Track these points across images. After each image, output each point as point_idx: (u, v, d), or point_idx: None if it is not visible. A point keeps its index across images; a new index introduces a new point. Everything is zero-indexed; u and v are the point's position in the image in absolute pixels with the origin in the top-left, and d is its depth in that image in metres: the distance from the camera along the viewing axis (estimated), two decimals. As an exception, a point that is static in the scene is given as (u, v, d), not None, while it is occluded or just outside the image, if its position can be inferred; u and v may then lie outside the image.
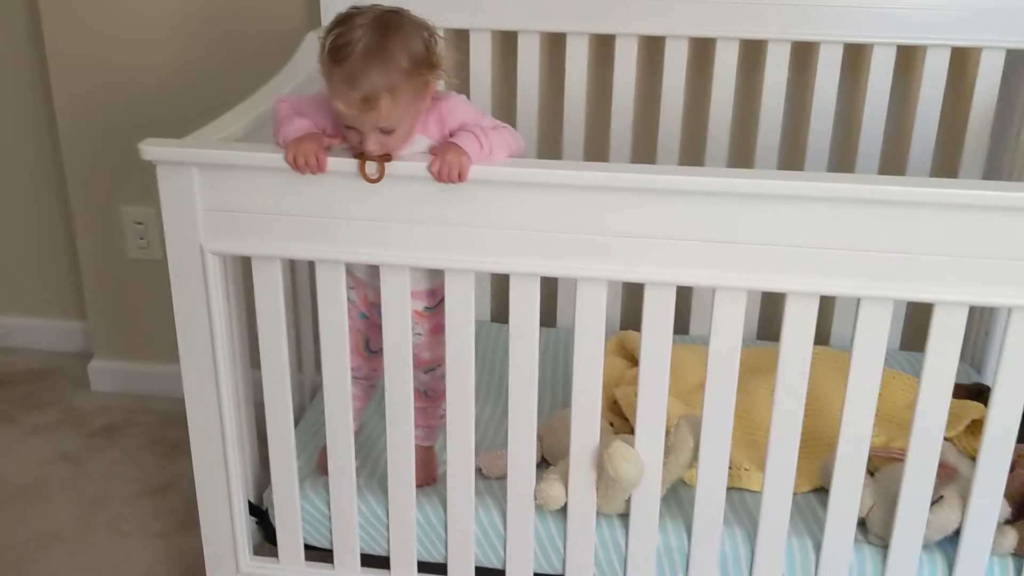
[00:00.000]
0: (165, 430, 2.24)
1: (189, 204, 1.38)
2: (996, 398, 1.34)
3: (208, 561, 1.60)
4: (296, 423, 1.76)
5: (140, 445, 2.20)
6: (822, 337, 2.05)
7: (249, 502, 1.60)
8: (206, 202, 1.37)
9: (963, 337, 1.95)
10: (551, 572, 1.54)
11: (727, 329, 1.36)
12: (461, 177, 1.29)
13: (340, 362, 1.45)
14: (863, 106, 1.91)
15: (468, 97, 1.96)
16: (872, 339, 1.33)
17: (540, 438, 1.63)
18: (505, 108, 2.02)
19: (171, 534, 1.92)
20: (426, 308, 1.50)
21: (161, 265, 1.44)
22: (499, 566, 1.55)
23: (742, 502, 1.57)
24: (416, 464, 1.50)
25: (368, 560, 1.58)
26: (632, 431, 1.47)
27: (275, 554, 1.60)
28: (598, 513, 1.49)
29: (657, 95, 1.96)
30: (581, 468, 1.45)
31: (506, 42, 2.00)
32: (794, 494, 1.56)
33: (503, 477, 1.52)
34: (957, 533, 1.44)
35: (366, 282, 1.50)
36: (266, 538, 1.63)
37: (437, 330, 1.51)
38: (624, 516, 1.50)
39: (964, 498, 1.41)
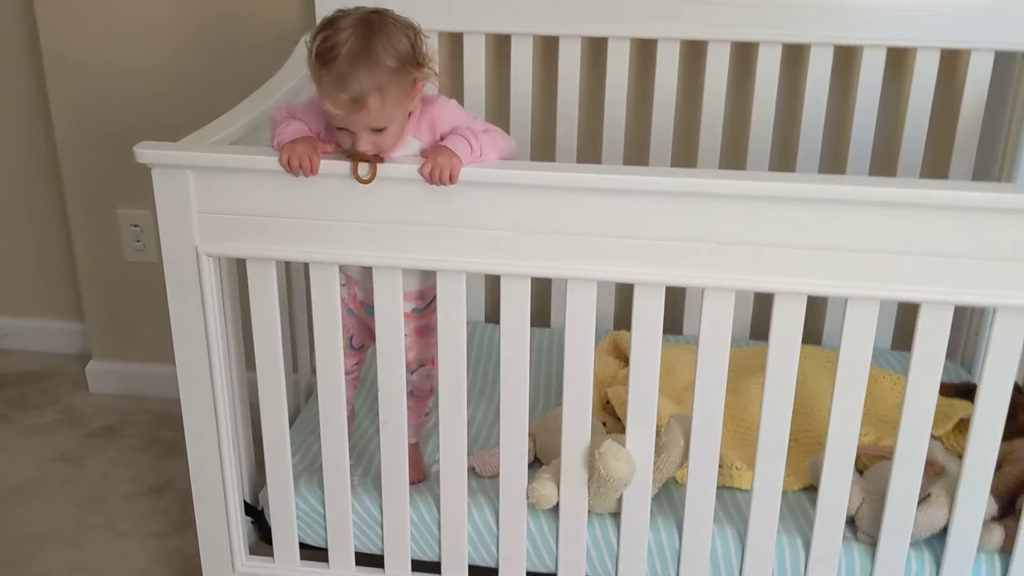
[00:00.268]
0: (162, 430, 2.25)
1: (184, 207, 1.39)
2: (981, 396, 1.35)
3: (204, 561, 1.61)
4: (291, 423, 1.77)
5: (137, 445, 2.22)
6: (814, 336, 2.06)
7: (245, 502, 1.62)
8: (201, 205, 1.39)
9: (954, 336, 2.00)
10: (544, 570, 1.55)
11: (716, 329, 1.37)
12: (452, 179, 1.30)
13: (334, 363, 1.46)
14: (854, 107, 1.92)
15: (462, 99, 1.99)
16: (859, 338, 1.35)
17: (533, 437, 1.65)
18: (499, 110, 2.04)
19: (167, 534, 1.94)
20: (414, 310, 1.52)
21: (157, 267, 1.45)
22: (492, 564, 1.56)
23: (733, 501, 1.58)
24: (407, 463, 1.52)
25: (363, 559, 1.59)
26: (625, 430, 1.48)
27: (271, 553, 1.61)
28: (590, 512, 1.50)
29: (649, 97, 1.98)
30: (573, 467, 1.47)
31: (500, 45, 2.01)
32: (784, 492, 1.57)
33: (496, 476, 1.53)
34: (945, 530, 1.45)
35: (358, 281, 1.52)
36: (262, 538, 1.65)
37: (423, 331, 1.53)
38: (616, 515, 1.51)
39: (952, 496, 1.43)
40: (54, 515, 2.00)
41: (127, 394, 2.39)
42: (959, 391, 1.76)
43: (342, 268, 1.48)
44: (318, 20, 1.88)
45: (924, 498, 1.45)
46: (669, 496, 1.58)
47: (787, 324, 1.35)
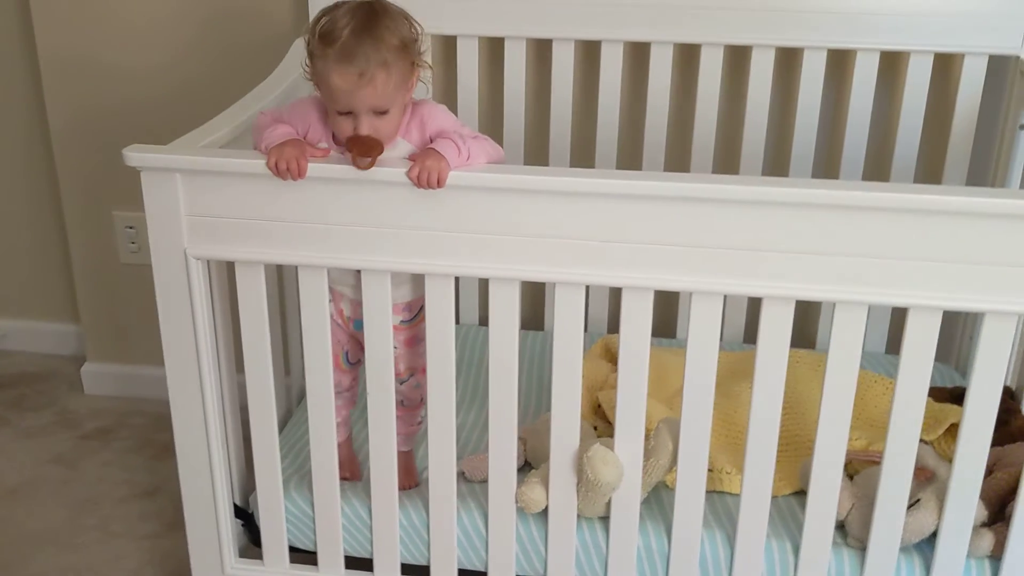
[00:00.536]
0: (156, 433, 2.26)
1: (173, 209, 1.39)
2: (970, 401, 1.35)
3: (194, 563, 1.62)
4: (283, 426, 1.78)
5: (132, 448, 2.22)
6: (808, 340, 2.06)
7: (236, 505, 1.62)
8: (189, 207, 1.39)
9: (949, 341, 2.00)
10: (532, 574, 1.55)
11: (704, 332, 1.37)
12: (440, 183, 1.30)
13: (323, 366, 1.46)
14: (847, 111, 1.92)
15: (455, 102, 2.00)
16: (848, 342, 1.34)
17: (524, 441, 1.65)
18: (492, 114, 2.04)
19: (160, 536, 1.94)
20: (403, 322, 1.52)
21: (152, 269, 1.45)
22: (481, 568, 1.56)
23: (723, 505, 1.58)
24: (396, 468, 1.52)
25: (352, 562, 1.59)
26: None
27: (260, 556, 1.61)
28: (579, 516, 1.50)
29: (643, 100, 1.98)
30: (561, 471, 1.47)
31: (493, 48, 2.02)
32: (775, 497, 1.57)
33: (486, 480, 1.53)
34: (935, 535, 1.45)
35: (343, 295, 1.51)
36: (252, 540, 1.65)
37: (412, 342, 1.53)
38: (605, 519, 1.51)
39: (942, 501, 1.42)
40: (49, 517, 2.00)
41: (122, 396, 2.40)
42: (953, 396, 1.76)
43: (329, 283, 1.48)
44: (311, 19, 1.89)
45: (914, 503, 1.44)
46: (659, 500, 1.57)
47: (775, 328, 1.35)
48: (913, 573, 1.47)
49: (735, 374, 1.83)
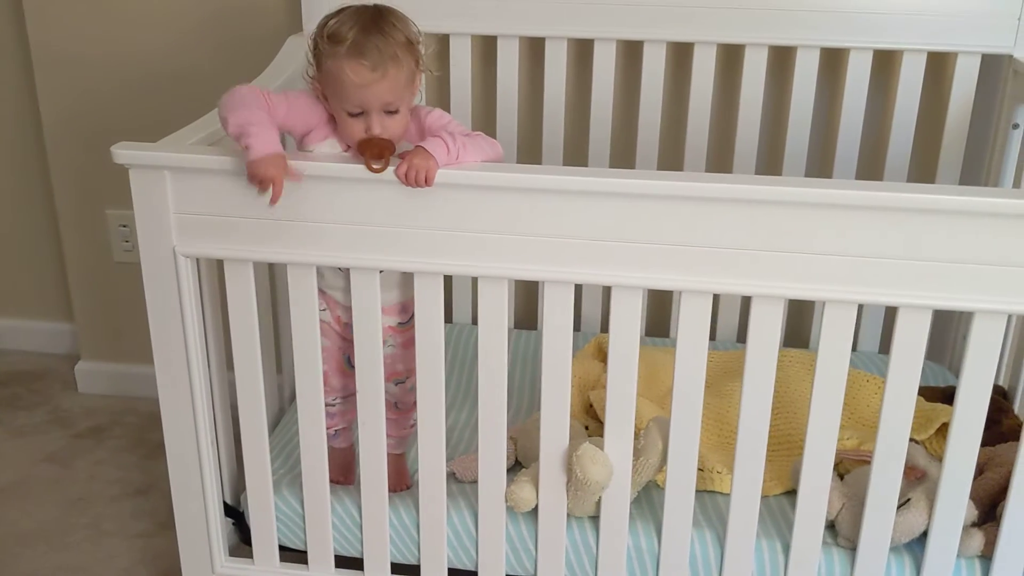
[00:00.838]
0: (150, 432, 2.25)
1: (161, 207, 1.39)
2: (960, 400, 1.34)
3: (184, 562, 1.61)
4: (276, 425, 1.77)
5: (124, 446, 2.22)
6: (802, 340, 2.06)
7: (226, 503, 1.62)
8: (178, 205, 1.39)
9: (942, 341, 2.00)
10: (523, 574, 1.55)
11: (694, 331, 1.36)
12: (428, 181, 1.30)
13: (311, 363, 1.46)
14: (840, 110, 1.91)
15: (448, 101, 1.99)
16: (838, 342, 1.34)
17: (514, 441, 1.64)
18: (485, 112, 2.03)
19: (152, 535, 1.94)
20: (399, 324, 1.52)
21: (145, 268, 1.45)
22: (471, 567, 1.56)
23: (714, 504, 1.57)
24: (388, 471, 1.52)
25: (342, 561, 1.59)
26: (605, 434, 1.47)
27: (251, 555, 1.61)
28: (569, 515, 1.50)
29: (636, 99, 1.97)
30: (551, 470, 1.46)
31: (486, 46, 2.01)
32: (767, 496, 1.57)
33: (476, 481, 1.53)
34: (925, 535, 1.44)
35: (339, 302, 1.51)
36: (243, 539, 1.64)
37: (410, 343, 1.52)
38: (595, 518, 1.50)
39: (932, 501, 1.42)
40: (41, 515, 2.00)
41: (116, 395, 2.39)
42: (946, 396, 1.75)
43: (322, 291, 1.47)
44: (304, 17, 1.90)
45: (904, 503, 1.44)
46: (649, 499, 1.57)
47: (765, 327, 1.34)
48: (903, 573, 1.46)
49: (727, 373, 1.83)
